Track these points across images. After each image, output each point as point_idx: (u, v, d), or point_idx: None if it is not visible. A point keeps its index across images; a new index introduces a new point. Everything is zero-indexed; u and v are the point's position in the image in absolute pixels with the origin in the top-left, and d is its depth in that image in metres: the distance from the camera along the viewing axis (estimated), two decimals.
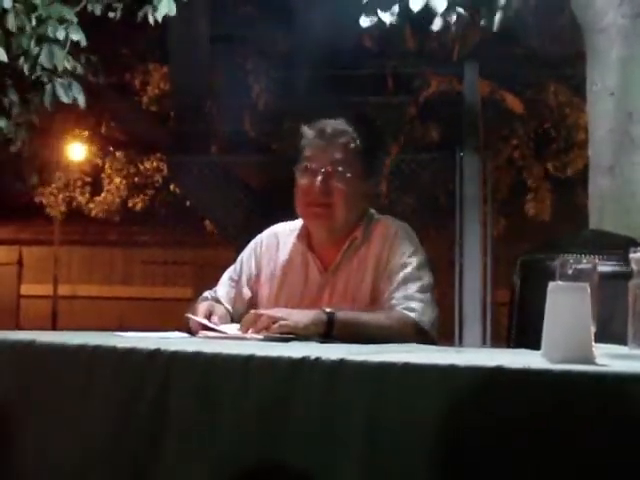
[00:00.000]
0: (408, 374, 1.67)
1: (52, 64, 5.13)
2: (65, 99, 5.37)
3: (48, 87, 5.35)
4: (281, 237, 2.90)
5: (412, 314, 2.62)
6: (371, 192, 2.83)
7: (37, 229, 18.15)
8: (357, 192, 2.76)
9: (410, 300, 2.64)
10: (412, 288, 2.67)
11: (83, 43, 5.18)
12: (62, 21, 5.06)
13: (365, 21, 4.54)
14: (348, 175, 2.72)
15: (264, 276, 2.87)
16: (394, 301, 2.65)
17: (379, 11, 4.46)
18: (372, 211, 2.86)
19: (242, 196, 9.71)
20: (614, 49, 3.91)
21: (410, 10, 4.34)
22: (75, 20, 5.08)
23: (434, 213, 9.30)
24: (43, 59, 5.11)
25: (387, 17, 4.49)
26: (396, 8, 4.46)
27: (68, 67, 5.29)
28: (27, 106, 6.08)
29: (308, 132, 2.78)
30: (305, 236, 2.84)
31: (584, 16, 4.06)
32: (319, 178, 2.72)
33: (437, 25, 4.42)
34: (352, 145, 2.73)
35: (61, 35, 5.04)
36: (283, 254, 2.87)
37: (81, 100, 5.42)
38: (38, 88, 5.49)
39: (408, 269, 2.70)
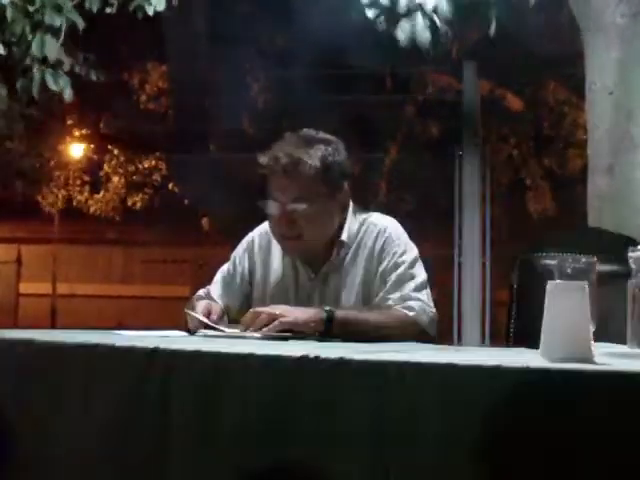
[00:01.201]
0: (408, 373, 1.67)
1: (42, 53, 5.10)
2: (54, 87, 5.33)
3: (36, 75, 5.32)
4: (272, 238, 2.86)
5: (411, 313, 2.61)
6: (345, 200, 2.77)
7: (36, 227, 18.15)
8: (326, 212, 2.72)
9: (407, 300, 2.63)
10: (407, 288, 2.66)
11: (81, 26, 5.15)
12: (59, 10, 5.05)
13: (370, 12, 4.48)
14: (310, 206, 2.66)
15: (258, 276, 2.86)
16: (391, 302, 2.64)
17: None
18: (356, 210, 2.82)
19: (241, 194, 9.72)
20: (613, 48, 3.91)
21: None
22: (70, 5, 5.07)
23: (433, 212, 9.30)
24: (34, 47, 5.09)
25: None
26: None
27: (63, 60, 5.27)
28: (18, 99, 6.05)
29: (264, 162, 2.70)
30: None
31: (582, 15, 4.07)
32: (282, 214, 2.68)
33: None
34: (310, 170, 2.66)
35: (57, 22, 5.02)
36: (274, 257, 2.85)
37: (67, 93, 5.39)
38: (27, 77, 5.44)
39: (401, 269, 2.68)
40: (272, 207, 2.71)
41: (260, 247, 2.88)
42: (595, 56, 3.99)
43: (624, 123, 3.85)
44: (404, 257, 2.70)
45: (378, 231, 2.74)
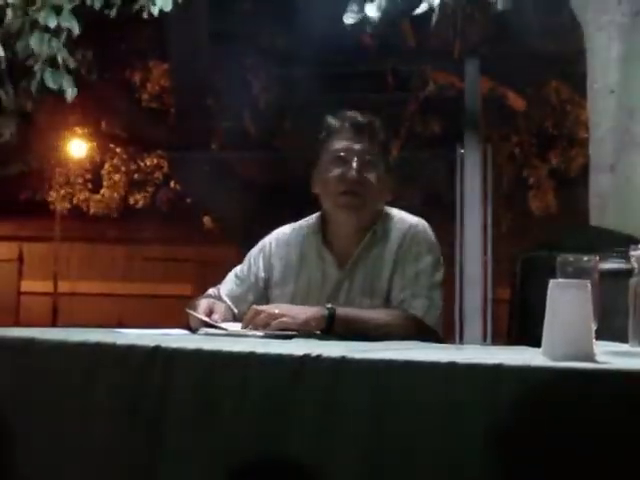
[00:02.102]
0: (409, 371, 1.67)
1: (42, 50, 5.11)
2: (52, 85, 5.33)
3: (37, 74, 5.32)
4: (292, 235, 2.87)
5: (417, 312, 2.62)
6: (389, 182, 2.83)
7: (37, 225, 18.15)
8: (384, 184, 2.78)
9: (417, 297, 2.64)
10: (421, 285, 2.67)
11: (76, 31, 5.16)
12: (58, 11, 5.06)
13: (349, 18, 4.42)
14: (380, 167, 2.75)
15: (277, 277, 2.84)
16: (402, 296, 2.66)
17: (366, 5, 4.33)
18: (388, 207, 2.86)
19: (242, 192, 9.72)
20: (614, 47, 3.90)
21: (398, 3, 4.27)
22: (68, 7, 5.07)
23: (435, 210, 9.30)
24: (33, 43, 5.10)
25: (373, 11, 4.36)
26: (383, 1, 4.33)
27: (59, 59, 5.27)
28: (18, 95, 6.05)
29: (336, 122, 2.78)
30: (319, 232, 2.83)
31: (584, 14, 4.06)
32: (354, 167, 2.71)
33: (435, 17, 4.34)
34: (380, 137, 2.77)
35: (52, 23, 5.03)
36: (296, 252, 2.84)
37: (69, 93, 5.39)
38: (29, 76, 5.44)
39: (420, 266, 2.70)
40: (340, 163, 2.74)
41: (278, 247, 2.87)
42: (596, 55, 3.99)
43: (626, 121, 3.84)
44: (426, 256, 2.72)
45: (408, 227, 2.77)
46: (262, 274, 2.86)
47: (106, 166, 14.76)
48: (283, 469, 1.79)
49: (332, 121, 2.78)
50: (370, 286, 2.72)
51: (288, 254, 2.85)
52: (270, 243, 2.89)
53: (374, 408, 1.69)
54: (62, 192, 15.79)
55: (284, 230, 2.91)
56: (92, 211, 15.51)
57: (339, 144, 2.75)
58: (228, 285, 2.90)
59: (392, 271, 2.72)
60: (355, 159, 2.72)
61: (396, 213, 2.83)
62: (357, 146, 2.74)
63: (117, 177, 14.69)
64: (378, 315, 2.59)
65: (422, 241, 2.73)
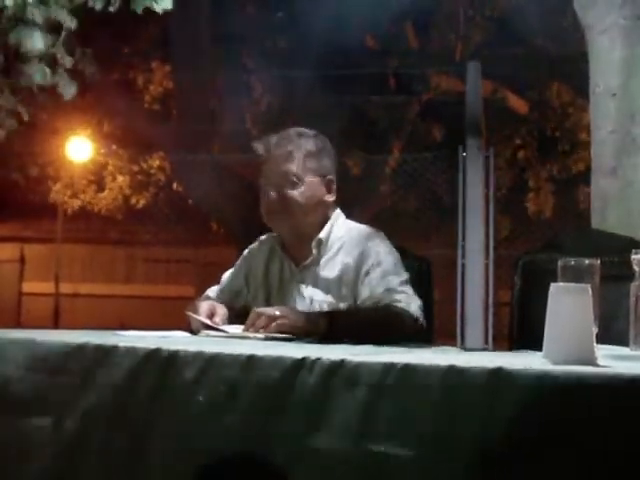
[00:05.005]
0: (408, 375, 1.67)
1: (29, 44, 5.09)
2: (40, 80, 5.31)
3: (26, 68, 5.30)
4: (264, 242, 3.00)
5: (399, 304, 2.65)
6: (331, 188, 2.88)
7: (39, 227, 18.15)
8: (313, 193, 2.84)
9: (393, 293, 2.69)
10: (393, 282, 2.71)
11: (70, 25, 5.13)
12: (46, 4, 5.04)
13: None
14: (297, 180, 2.80)
15: (254, 276, 2.96)
16: (378, 295, 2.69)
17: None
18: (339, 213, 2.93)
19: (244, 195, 9.71)
20: (616, 50, 3.90)
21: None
22: (65, 5, 5.06)
23: (436, 213, 9.29)
24: (12, 38, 5.07)
25: None
26: None
27: (59, 57, 5.25)
28: (13, 94, 6.02)
29: (257, 148, 2.88)
30: (278, 238, 2.94)
31: (586, 17, 4.06)
32: (271, 191, 2.81)
33: None
34: (298, 150, 2.82)
35: (37, 18, 5.01)
36: (265, 257, 2.96)
37: (67, 91, 5.36)
38: (19, 70, 5.41)
39: (385, 265, 2.75)
40: (263, 190, 2.85)
41: (260, 249, 3.00)
42: (598, 58, 3.99)
43: (627, 125, 3.84)
44: (387, 257, 2.78)
45: (362, 235, 2.84)
46: (246, 273, 3.00)
47: (109, 168, 14.75)
48: (282, 471, 1.79)
49: (255, 146, 2.88)
50: (316, 292, 2.80)
51: (259, 258, 2.97)
52: (255, 245, 3.03)
53: (373, 411, 1.69)
54: (64, 193, 15.77)
55: (260, 238, 3.04)
56: (94, 212, 15.49)
57: (261, 170, 2.87)
58: (219, 288, 3.04)
59: (340, 277, 2.78)
60: (272, 183, 2.81)
61: (350, 225, 2.91)
62: (273, 168, 2.83)
63: (119, 179, 14.68)
64: (370, 314, 2.65)
65: (379, 247, 2.79)
